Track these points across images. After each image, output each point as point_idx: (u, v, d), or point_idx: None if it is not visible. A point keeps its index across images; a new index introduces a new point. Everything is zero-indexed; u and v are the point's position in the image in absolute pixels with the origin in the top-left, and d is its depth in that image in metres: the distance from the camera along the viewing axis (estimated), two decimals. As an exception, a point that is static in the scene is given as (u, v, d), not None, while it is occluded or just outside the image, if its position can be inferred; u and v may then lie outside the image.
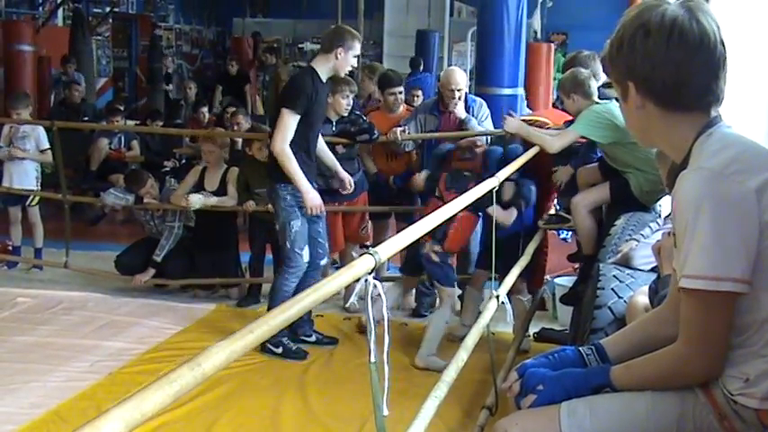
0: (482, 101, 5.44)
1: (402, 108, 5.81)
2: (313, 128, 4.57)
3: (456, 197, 4.04)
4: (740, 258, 1.53)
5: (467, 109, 5.29)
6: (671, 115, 1.65)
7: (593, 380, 1.75)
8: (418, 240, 3.91)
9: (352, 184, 5.12)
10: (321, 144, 4.90)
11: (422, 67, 11.70)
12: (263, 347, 4.54)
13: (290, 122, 4.37)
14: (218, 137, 6.08)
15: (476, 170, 4.59)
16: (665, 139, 1.71)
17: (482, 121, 5.30)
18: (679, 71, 1.60)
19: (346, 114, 5.30)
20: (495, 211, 3.99)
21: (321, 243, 4.79)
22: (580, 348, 1.90)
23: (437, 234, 4.36)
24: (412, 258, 4.91)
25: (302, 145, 4.50)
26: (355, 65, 4.59)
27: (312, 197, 4.49)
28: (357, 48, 4.55)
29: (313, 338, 4.93)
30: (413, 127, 5.41)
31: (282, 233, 4.62)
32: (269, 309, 4.42)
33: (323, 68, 4.52)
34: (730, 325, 1.59)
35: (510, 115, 4.79)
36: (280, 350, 4.62)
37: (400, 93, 5.80)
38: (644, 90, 1.65)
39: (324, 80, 4.56)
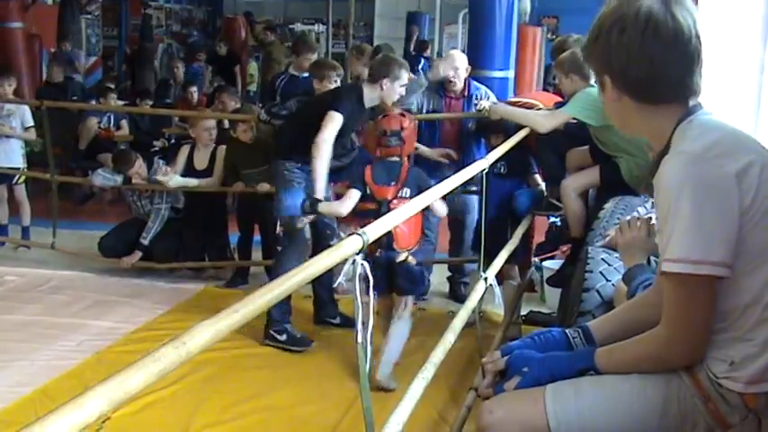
0: (487, 89, 5.35)
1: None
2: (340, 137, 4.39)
3: (391, 190, 3.98)
4: (720, 242, 1.53)
5: (469, 96, 5.25)
6: (647, 107, 1.67)
7: (578, 363, 1.76)
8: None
9: None
10: None
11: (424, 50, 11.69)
12: (267, 335, 4.46)
13: (337, 122, 4.25)
14: (207, 118, 6.05)
15: (404, 154, 4.13)
16: (643, 129, 1.73)
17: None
18: (653, 66, 1.61)
19: None
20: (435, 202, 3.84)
21: (328, 224, 4.66)
22: (566, 330, 1.91)
23: (383, 242, 3.92)
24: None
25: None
26: (403, 93, 4.48)
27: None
28: (405, 77, 4.41)
29: (337, 320, 4.82)
30: (415, 105, 5.29)
31: (279, 206, 4.48)
32: None
33: (368, 96, 4.40)
34: (712, 309, 1.59)
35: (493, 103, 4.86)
36: (284, 337, 4.47)
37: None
38: (619, 83, 1.66)
39: (366, 106, 4.44)
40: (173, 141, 8.43)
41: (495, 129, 4.85)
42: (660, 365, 1.66)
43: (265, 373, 4.21)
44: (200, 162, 5.73)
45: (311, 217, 4.32)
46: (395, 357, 4.02)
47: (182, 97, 9.50)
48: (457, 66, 5.20)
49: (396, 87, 4.36)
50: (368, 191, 4.08)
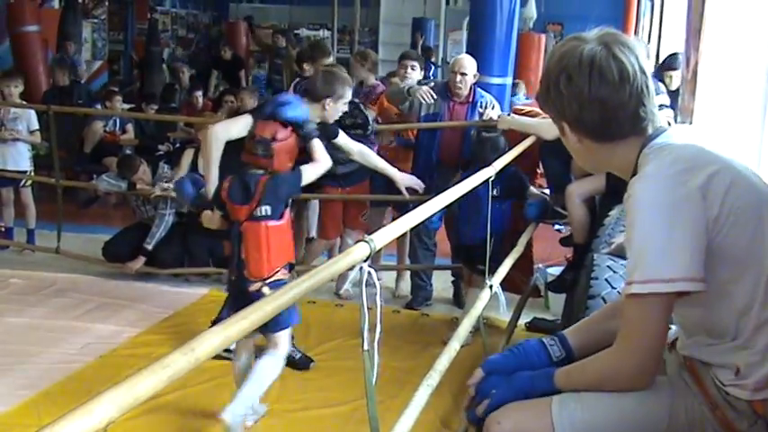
0: (493, 99, 5.31)
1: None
2: None
3: (244, 209, 3.41)
4: (689, 257, 1.54)
5: (474, 103, 5.22)
6: (608, 145, 1.71)
7: (539, 385, 1.77)
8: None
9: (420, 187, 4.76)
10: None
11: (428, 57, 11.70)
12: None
13: (243, 121, 3.85)
14: (210, 123, 6.04)
15: (270, 168, 3.49)
16: (610, 165, 1.78)
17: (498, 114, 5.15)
18: (605, 108, 1.65)
19: None
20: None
21: None
22: (543, 339, 1.91)
23: (234, 266, 3.50)
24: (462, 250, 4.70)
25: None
26: (345, 109, 4.26)
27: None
28: (348, 94, 4.15)
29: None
30: (415, 104, 5.29)
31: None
32: None
33: (311, 114, 4.03)
34: (666, 329, 1.62)
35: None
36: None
37: (413, 68, 5.69)
38: (577, 128, 1.71)
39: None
40: (177, 145, 8.44)
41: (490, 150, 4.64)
42: (613, 386, 1.66)
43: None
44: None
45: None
46: (250, 400, 3.41)
47: (187, 102, 9.52)
48: (465, 71, 5.20)
49: (339, 107, 4.12)
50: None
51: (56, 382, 3.96)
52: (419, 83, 5.78)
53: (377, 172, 5.57)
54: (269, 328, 3.36)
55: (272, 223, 3.44)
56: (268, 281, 3.42)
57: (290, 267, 3.58)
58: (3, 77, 6.67)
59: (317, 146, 3.90)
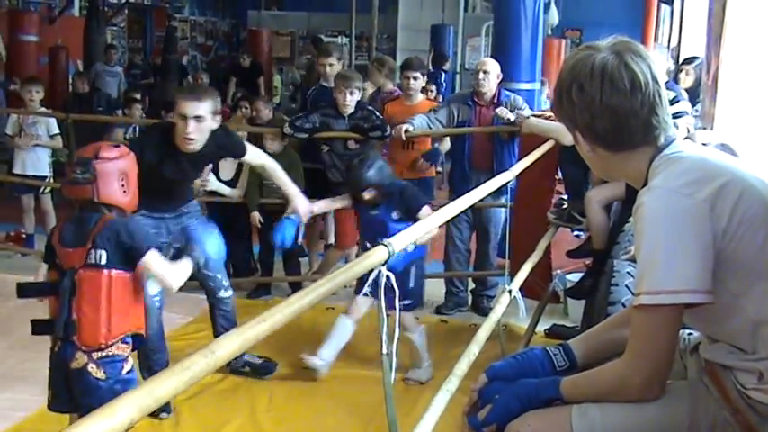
0: (517, 97, 5.33)
1: (421, 98, 5.70)
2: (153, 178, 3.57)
3: (78, 253, 2.77)
4: (697, 269, 1.54)
5: (499, 103, 5.21)
6: (620, 154, 1.72)
7: (544, 392, 1.76)
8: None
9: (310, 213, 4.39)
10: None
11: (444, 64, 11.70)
12: (230, 368, 4.19)
13: None
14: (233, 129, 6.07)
15: (97, 197, 2.81)
16: (623, 174, 1.79)
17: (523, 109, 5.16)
18: (617, 117, 1.65)
19: (353, 110, 5.27)
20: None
21: (208, 275, 4.03)
22: (548, 348, 1.91)
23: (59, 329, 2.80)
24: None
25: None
26: (215, 126, 3.82)
27: None
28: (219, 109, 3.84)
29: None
30: (444, 116, 5.32)
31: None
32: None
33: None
34: (675, 341, 1.62)
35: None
36: (247, 369, 4.25)
37: (415, 78, 5.65)
38: (589, 138, 1.72)
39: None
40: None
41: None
42: (621, 397, 1.66)
43: (285, 384, 4.23)
44: (227, 172, 5.72)
45: None
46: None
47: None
48: (488, 69, 5.19)
49: (214, 123, 3.81)
50: (56, 256, 2.87)
51: None
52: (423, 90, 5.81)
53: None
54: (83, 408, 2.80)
55: (115, 273, 2.76)
56: (101, 354, 2.75)
57: (135, 342, 2.86)
58: (24, 83, 6.74)
59: None
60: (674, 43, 10.78)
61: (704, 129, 3.80)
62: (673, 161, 1.65)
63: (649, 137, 1.68)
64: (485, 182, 4.47)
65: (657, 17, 11.75)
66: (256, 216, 5.54)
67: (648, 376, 1.61)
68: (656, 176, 1.65)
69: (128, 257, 2.76)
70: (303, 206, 4.26)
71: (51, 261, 2.86)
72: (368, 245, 3.98)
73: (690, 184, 1.58)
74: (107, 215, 2.81)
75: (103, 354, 2.74)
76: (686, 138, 3.33)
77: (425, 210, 4.06)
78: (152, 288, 3.34)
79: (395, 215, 4.02)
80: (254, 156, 4.26)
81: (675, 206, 1.56)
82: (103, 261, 2.73)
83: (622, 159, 1.72)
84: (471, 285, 5.64)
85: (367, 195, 4.05)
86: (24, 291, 2.85)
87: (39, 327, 2.86)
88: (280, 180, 4.40)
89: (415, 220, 3.88)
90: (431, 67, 11.49)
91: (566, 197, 5.07)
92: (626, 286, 2.85)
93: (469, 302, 5.58)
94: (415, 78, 5.64)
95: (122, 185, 2.84)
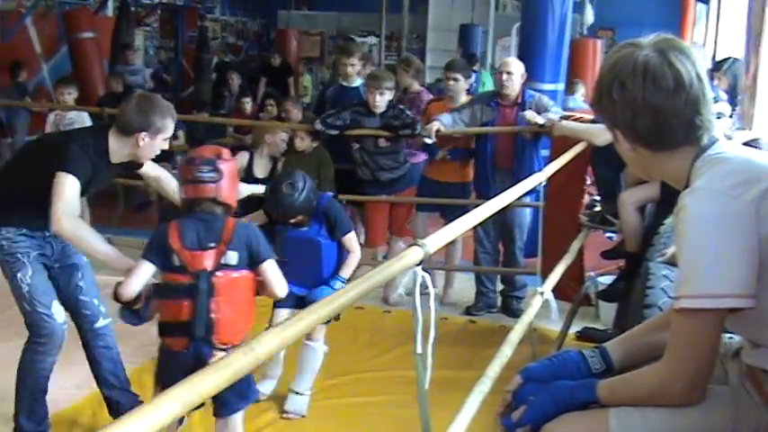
0: (541, 94, 5.31)
1: (463, 99, 5.60)
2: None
3: (210, 254, 2.81)
4: (742, 273, 1.52)
5: (523, 104, 5.18)
6: (662, 153, 1.69)
7: (580, 395, 1.74)
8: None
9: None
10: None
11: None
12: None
13: (73, 187, 3.16)
14: (262, 127, 6.12)
15: (222, 197, 2.91)
16: (663, 174, 1.76)
17: (556, 112, 5.12)
18: (659, 116, 1.62)
19: (384, 109, 5.28)
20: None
21: (85, 301, 3.61)
22: (584, 351, 1.89)
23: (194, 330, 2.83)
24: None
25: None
26: (166, 147, 3.42)
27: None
28: (170, 128, 3.34)
29: None
30: (467, 116, 5.30)
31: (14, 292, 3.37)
32: (17, 395, 3.44)
33: (116, 150, 3.35)
34: (717, 346, 1.59)
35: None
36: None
37: (456, 80, 5.58)
38: (630, 136, 1.69)
39: (112, 161, 3.37)
40: (227, 151, 8.55)
41: None
42: (660, 402, 1.63)
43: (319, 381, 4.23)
44: (262, 170, 5.74)
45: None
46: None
47: (235, 108, 9.64)
48: (511, 70, 5.17)
49: (157, 142, 3.32)
50: (175, 259, 2.86)
51: (133, 370, 4.01)
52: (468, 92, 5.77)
53: (425, 177, 5.60)
54: (227, 407, 2.92)
55: (246, 273, 2.87)
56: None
57: None
58: (58, 84, 6.83)
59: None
60: (710, 43, 10.64)
61: (743, 129, 3.76)
62: (717, 162, 1.62)
63: (692, 137, 1.66)
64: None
65: (694, 16, 11.61)
66: None
67: (689, 381, 1.59)
68: (699, 177, 1.62)
69: (250, 260, 2.84)
70: None
71: (167, 263, 2.86)
72: (299, 265, 3.51)
73: (736, 186, 1.55)
74: (230, 217, 2.90)
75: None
76: None
77: (351, 237, 3.78)
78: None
79: (324, 232, 3.74)
80: (150, 167, 3.72)
81: (720, 208, 1.54)
82: (235, 262, 2.81)
83: (663, 159, 1.70)
84: (500, 287, 5.62)
85: (294, 220, 3.71)
86: (161, 294, 2.89)
87: (168, 328, 2.87)
88: (174, 193, 3.72)
89: (339, 242, 3.73)
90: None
91: (598, 199, 5.04)
92: (662, 289, 2.82)
93: (499, 304, 5.56)
94: (455, 80, 5.57)
95: (236, 186, 2.97)
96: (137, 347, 4.53)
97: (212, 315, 2.77)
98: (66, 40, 11.37)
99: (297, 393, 3.87)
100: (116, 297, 2.92)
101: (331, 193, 4.27)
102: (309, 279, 3.68)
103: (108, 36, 12.09)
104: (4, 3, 11.75)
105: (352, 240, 3.77)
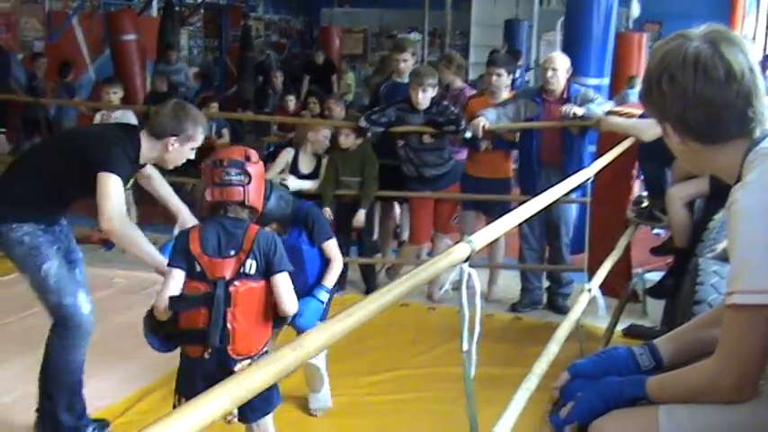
0: (587, 88, 5.26)
1: (505, 94, 5.56)
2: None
3: (230, 263, 2.73)
4: None
5: (569, 98, 5.11)
6: (712, 147, 1.65)
7: (629, 391, 1.71)
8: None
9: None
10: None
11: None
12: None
13: (118, 187, 3.24)
14: (305, 124, 6.14)
15: (248, 201, 2.82)
16: (714, 168, 1.72)
17: (600, 104, 5.07)
18: (710, 108, 1.58)
19: (427, 106, 5.26)
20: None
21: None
22: (632, 348, 1.86)
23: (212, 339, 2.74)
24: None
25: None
26: (192, 157, 3.47)
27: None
28: (200, 138, 3.40)
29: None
30: (512, 111, 5.26)
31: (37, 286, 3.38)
32: (43, 388, 3.45)
33: (146, 153, 3.40)
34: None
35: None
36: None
37: (499, 75, 5.52)
38: (680, 129, 1.65)
39: (140, 162, 3.45)
40: (270, 150, 8.61)
41: None
42: (711, 398, 1.60)
43: (362, 379, 4.24)
44: (306, 166, 5.76)
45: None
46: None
47: (279, 106, 9.72)
48: (556, 67, 5.11)
49: (185, 151, 3.39)
50: (196, 266, 2.76)
51: (155, 380, 4.05)
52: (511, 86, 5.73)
53: (466, 174, 5.56)
54: (252, 413, 2.84)
55: (263, 283, 2.78)
56: (255, 358, 2.78)
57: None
58: (103, 83, 6.93)
59: None
60: (760, 36, 10.44)
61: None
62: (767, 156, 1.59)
63: (744, 129, 1.62)
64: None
65: (744, 9, 11.39)
66: (327, 211, 5.57)
67: (740, 378, 1.56)
68: (751, 171, 1.58)
69: (266, 269, 2.75)
70: (191, 221, 3.80)
71: (191, 269, 2.75)
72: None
73: None
74: (253, 224, 2.81)
75: (257, 357, 2.78)
76: None
77: (331, 243, 3.67)
78: None
79: (305, 238, 3.65)
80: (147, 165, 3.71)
81: None
82: (253, 271, 2.72)
83: (714, 152, 1.66)
84: (546, 284, 5.57)
85: (268, 228, 3.42)
86: (177, 305, 2.75)
87: (185, 335, 2.79)
88: (166, 192, 3.95)
89: (320, 249, 3.63)
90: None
91: (645, 194, 4.97)
92: (712, 285, 2.77)
93: (544, 300, 5.51)
94: (498, 75, 5.53)
95: (262, 189, 2.89)
96: (148, 366, 4.50)
97: (228, 325, 2.70)
98: (108, 42, 11.54)
99: (314, 392, 3.81)
100: (152, 313, 2.82)
101: (311, 201, 4.15)
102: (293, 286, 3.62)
103: (153, 36, 12.26)
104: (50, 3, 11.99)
105: (332, 247, 3.65)
